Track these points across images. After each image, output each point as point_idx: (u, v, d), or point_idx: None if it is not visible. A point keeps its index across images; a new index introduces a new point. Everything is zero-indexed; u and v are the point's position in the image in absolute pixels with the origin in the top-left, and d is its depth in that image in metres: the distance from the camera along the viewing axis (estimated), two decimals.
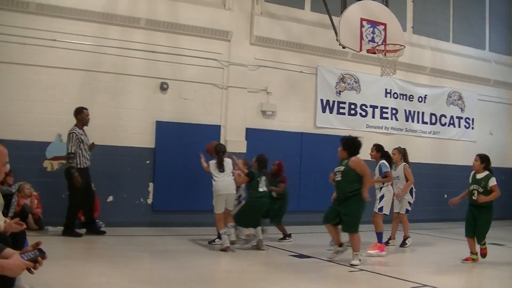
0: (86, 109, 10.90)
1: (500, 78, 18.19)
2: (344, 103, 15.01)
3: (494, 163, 17.63)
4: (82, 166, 10.64)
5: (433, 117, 16.77)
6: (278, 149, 13.04)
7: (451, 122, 17.17)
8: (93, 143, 10.96)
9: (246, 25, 13.71)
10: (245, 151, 13.35)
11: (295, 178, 13.69)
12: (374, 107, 15.51)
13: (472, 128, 17.63)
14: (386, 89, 15.76)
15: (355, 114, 15.17)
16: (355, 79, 15.18)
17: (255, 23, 13.72)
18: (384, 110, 15.73)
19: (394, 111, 15.91)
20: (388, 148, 15.43)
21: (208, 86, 13.26)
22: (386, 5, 13.08)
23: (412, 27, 16.37)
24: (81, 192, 10.59)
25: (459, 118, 17.35)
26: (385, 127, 15.73)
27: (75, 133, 10.57)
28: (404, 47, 12.56)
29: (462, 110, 17.39)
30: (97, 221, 11.25)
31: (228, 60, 13.47)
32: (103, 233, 10.90)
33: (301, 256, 9.25)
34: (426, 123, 16.62)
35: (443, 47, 16.95)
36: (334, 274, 8.07)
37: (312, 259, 9.07)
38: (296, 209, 13.55)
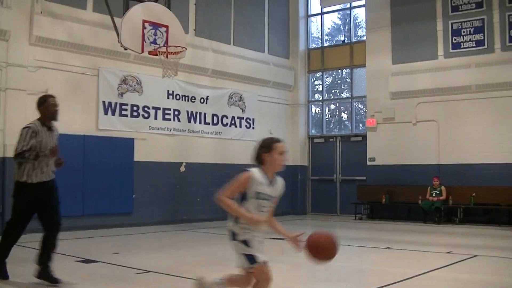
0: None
1: (279, 80, 19.32)
2: (127, 105, 14.72)
3: None
4: None
5: (215, 117, 17.16)
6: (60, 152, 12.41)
7: (233, 122, 17.73)
8: None
9: (25, 25, 12.86)
10: None
11: (78, 181, 13.41)
12: (156, 108, 15.42)
13: (253, 128, 18.38)
14: (168, 91, 15.78)
15: (137, 116, 14.96)
16: (137, 81, 14.95)
17: (35, 22, 12.91)
18: (167, 111, 15.72)
19: (176, 113, 15.98)
20: (171, 149, 15.65)
21: None
22: (168, 7, 13.16)
23: (195, 30, 16.60)
24: None
25: (240, 118, 17.98)
26: (168, 128, 15.73)
27: None
28: (186, 49, 12.75)
29: (243, 110, 18.04)
30: None
31: (6, 61, 12.54)
32: None
33: (87, 261, 8.80)
34: (209, 123, 16.95)
35: (225, 49, 17.46)
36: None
37: (98, 263, 8.64)
38: (81, 213, 13.35)
